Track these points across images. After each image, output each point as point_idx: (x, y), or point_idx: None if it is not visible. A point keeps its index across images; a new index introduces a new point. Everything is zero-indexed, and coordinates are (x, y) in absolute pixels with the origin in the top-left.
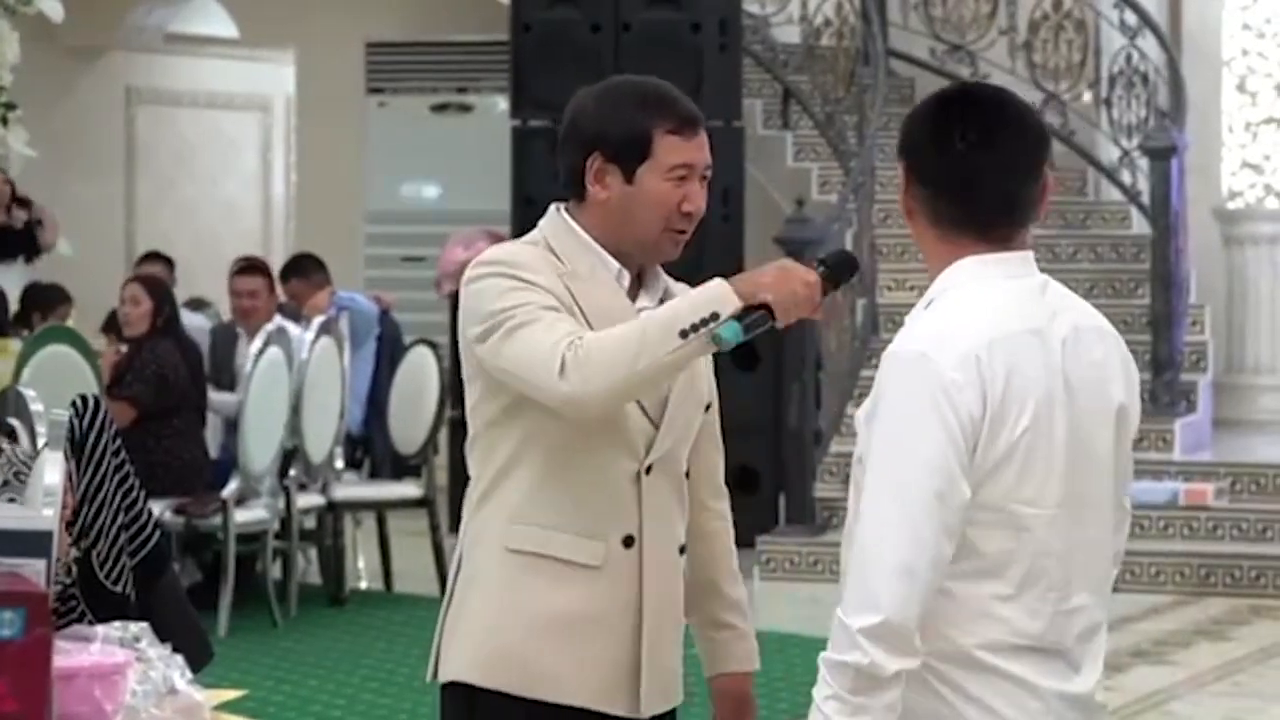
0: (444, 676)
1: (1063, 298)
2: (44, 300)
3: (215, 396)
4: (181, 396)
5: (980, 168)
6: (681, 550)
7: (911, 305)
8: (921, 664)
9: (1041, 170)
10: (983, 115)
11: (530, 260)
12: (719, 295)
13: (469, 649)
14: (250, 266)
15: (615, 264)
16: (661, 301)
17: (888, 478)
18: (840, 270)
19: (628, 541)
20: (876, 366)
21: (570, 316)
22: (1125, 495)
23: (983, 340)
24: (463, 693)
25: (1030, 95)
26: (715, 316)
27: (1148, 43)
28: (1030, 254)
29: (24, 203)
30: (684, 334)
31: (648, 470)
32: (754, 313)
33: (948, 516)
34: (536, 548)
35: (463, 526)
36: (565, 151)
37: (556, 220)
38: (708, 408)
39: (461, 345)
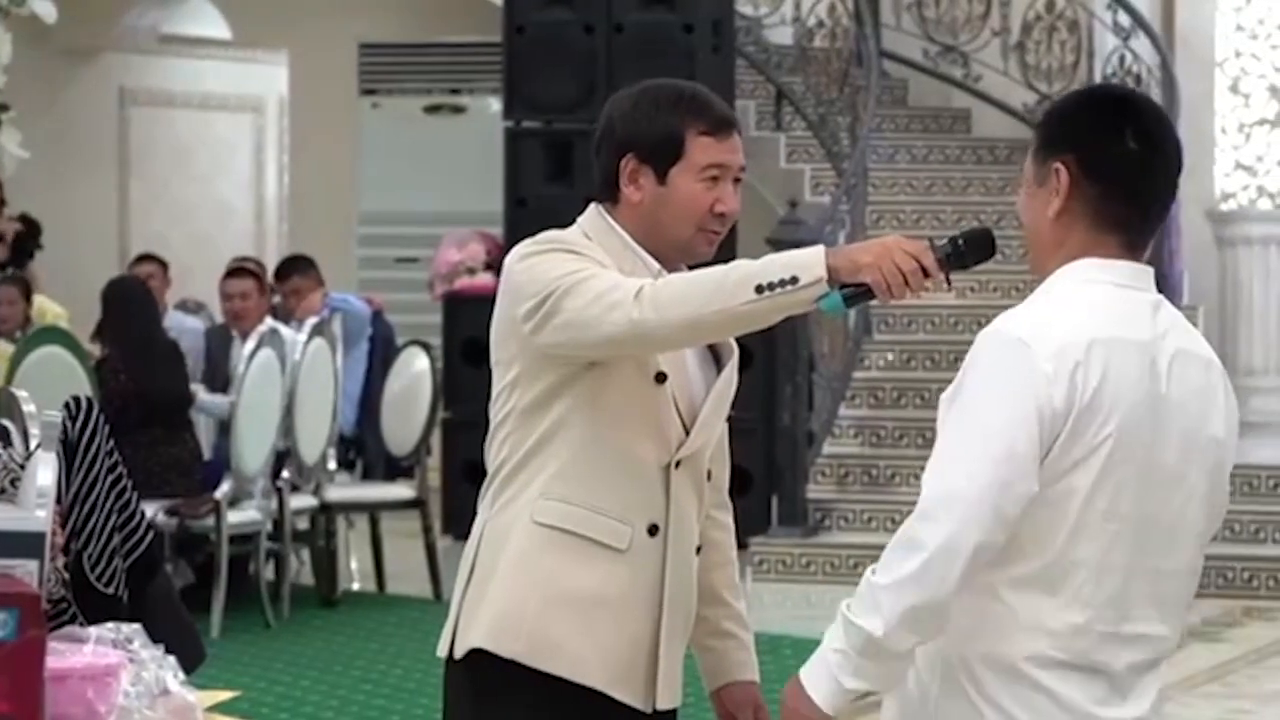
0: (461, 648)
1: (1174, 320)
2: None
3: (208, 398)
4: (140, 406)
5: (1152, 169)
6: (697, 550)
7: (904, 309)
8: (961, 668)
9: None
10: (1150, 118)
11: (584, 242)
12: (807, 261)
13: (486, 618)
14: (240, 269)
15: (655, 264)
16: None
17: (960, 447)
18: (972, 251)
19: (653, 530)
20: (869, 368)
21: None
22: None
23: (1083, 338)
24: (474, 661)
25: (1023, 96)
26: (794, 280)
27: (1141, 44)
28: (1150, 270)
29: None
30: (760, 290)
31: (677, 465)
32: (855, 287)
33: (1007, 504)
34: (564, 523)
35: (483, 503)
36: (600, 153)
37: (597, 219)
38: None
39: (499, 333)
